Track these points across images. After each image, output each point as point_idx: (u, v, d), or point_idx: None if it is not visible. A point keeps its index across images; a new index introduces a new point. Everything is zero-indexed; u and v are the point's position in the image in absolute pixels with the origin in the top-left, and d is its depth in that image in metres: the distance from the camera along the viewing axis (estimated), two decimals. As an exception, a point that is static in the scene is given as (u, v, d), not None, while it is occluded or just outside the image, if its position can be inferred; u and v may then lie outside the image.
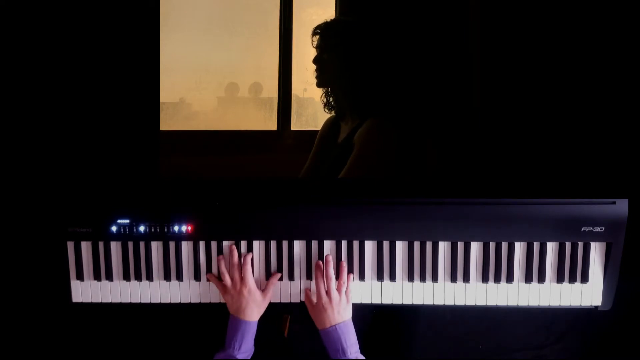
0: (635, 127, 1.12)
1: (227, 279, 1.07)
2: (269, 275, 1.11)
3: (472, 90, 1.16)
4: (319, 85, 1.16)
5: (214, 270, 1.11)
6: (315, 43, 1.13)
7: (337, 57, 1.10)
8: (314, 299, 1.06)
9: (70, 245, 1.10)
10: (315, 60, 1.14)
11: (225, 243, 1.10)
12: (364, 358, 1.00)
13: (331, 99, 1.18)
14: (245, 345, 1.02)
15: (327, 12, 1.44)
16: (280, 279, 1.11)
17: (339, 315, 1.03)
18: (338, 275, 1.07)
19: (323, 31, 1.12)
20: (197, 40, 1.54)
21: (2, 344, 1.22)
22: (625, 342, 1.23)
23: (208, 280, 1.11)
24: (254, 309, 1.04)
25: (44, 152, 1.17)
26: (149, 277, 1.11)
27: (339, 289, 1.05)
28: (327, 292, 1.04)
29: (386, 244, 1.10)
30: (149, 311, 1.15)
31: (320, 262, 1.08)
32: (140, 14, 1.13)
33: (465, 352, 1.24)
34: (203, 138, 1.55)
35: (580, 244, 1.08)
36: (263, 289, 1.08)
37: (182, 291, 1.12)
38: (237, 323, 1.03)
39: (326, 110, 1.19)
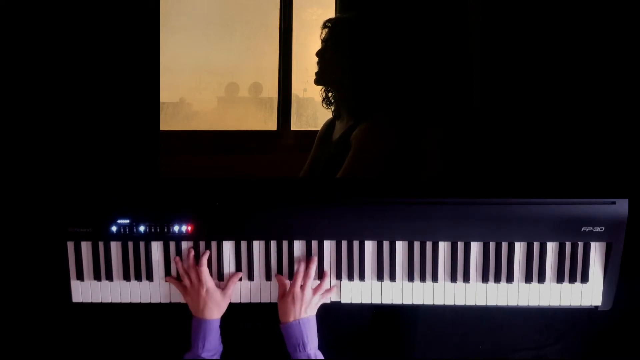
0: (635, 127, 1.12)
1: (187, 281, 1.08)
2: (269, 275, 1.11)
3: (472, 89, 1.16)
4: (317, 82, 1.14)
5: (173, 272, 1.11)
6: (322, 36, 1.12)
7: (340, 55, 1.10)
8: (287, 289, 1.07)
9: (70, 245, 1.11)
10: (318, 53, 1.12)
11: (184, 245, 1.10)
12: (321, 356, 1.01)
13: (330, 94, 1.16)
14: (209, 344, 1.03)
15: (327, 12, 1.44)
16: (241, 279, 1.11)
17: (304, 312, 1.04)
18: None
19: (333, 26, 1.11)
20: (197, 40, 1.54)
21: (2, 344, 1.22)
22: (625, 342, 1.23)
23: (167, 281, 1.11)
24: (213, 308, 1.05)
25: (44, 152, 1.17)
26: (149, 277, 1.11)
27: (314, 291, 1.07)
28: (302, 287, 1.06)
29: (386, 244, 1.10)
30: (149, 311, 1.15)
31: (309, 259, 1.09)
32: (140, 14, 1.13)
33: (465, 352, 1.24)
34: (203, 138, 1.55)
35: (580, 244, 1.08)
36: (223, 287, 1.09)
37: (182, 291, 1.12)
38: (199, 323, 1.04)
39: (324, 105, 1.18)
